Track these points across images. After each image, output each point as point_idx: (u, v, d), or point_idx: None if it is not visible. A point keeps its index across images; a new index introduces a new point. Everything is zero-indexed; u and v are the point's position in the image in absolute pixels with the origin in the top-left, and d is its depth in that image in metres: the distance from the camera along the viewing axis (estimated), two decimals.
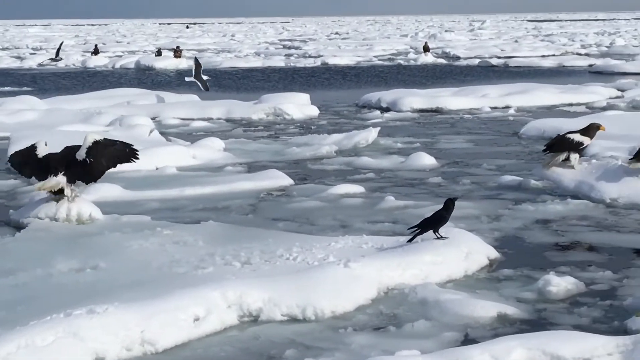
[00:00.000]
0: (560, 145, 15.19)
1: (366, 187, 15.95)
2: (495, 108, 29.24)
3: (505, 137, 22.86)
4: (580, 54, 62.60)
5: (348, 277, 9.77)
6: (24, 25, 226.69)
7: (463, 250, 10.78)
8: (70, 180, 13.08)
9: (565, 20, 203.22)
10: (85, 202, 13.32)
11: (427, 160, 18.46)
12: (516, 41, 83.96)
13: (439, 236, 10.88)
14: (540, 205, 14.30)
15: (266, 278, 9.63)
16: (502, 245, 11.95)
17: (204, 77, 34.33)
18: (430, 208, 13.64)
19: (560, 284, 9.98)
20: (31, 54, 73.24)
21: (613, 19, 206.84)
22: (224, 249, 11.04)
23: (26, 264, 10.71)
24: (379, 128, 22.00)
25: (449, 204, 10.91)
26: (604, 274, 10.67)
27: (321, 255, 10.53)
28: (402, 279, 10.04)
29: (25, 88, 41.92)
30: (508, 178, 16.27)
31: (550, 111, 28.66)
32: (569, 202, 14.32)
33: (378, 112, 28.60)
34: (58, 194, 13.14)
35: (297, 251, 10.73)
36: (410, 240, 10.81)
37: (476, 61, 56.86)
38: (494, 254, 11.26)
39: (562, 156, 15.14)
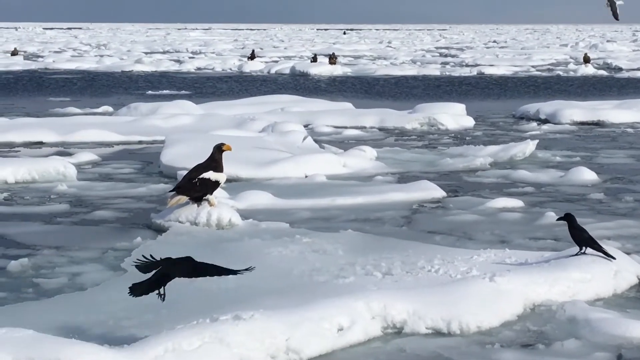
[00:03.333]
0: None
1: (525, 202, 15.42)
2: None
3: None
4: None
5: (493, 291, 9.55)
6: (185, 29, 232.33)
7: (612, 268, 10.37)
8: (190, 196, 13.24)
9: None
10: (225, 208, 13.41)
11: (587, 175, 17.74)
12: None
13: (606, 254, 10.40)
14: None
15: (410, 290, 9.50)
16: None
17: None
18: (593, 225, 13.41)
19: None
20: (190, 57, 74.59)
21: None
22: (364, 258, 11.02)
23: None
24: (536, 140, 21.33)
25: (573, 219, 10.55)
26: None
27: (464, 268, 10.40)
28: (549, 296, 9.77)
29: (183, 92, 42.63)
30: None
31: None
32: None
33: (535, 124, 27.83)
34: (197, 200, 13.22)
35: (439, 263, 10.64)
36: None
37: (639, 73, 55.02)
38: None
39: None
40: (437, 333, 8.98)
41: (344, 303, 8.92)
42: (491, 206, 15.03)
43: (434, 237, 12.96)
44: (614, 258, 10.36)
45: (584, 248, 10.46)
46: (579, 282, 10.00)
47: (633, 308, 9.70)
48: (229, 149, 13.45)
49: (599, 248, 10.41)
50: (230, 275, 10.17)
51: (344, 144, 22.92)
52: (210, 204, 13.21)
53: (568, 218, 10.57)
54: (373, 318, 8.94)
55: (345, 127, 26.75)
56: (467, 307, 9.18)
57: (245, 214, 13.89)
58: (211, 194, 13.25)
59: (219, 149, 13.42)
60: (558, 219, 11.03)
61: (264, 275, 10.44)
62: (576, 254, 10.45)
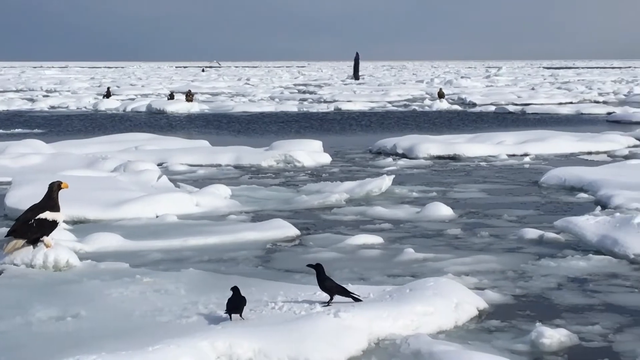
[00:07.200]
0: None
1: (383, 238, 15.38)
2: (513, 155, 28.63)
3: (524, 187, 22.11)
4: (598, 102, 61.88)
5: (338, 327, 9.61)
6: (41, 67, 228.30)
7: (453, 301, 10.65)
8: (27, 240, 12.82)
9: (582, 68, 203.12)
10: (62, 249, 13.02)
11: (444, 210, 17.76)
12: (533, 88, 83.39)
13: (354, 298, 10.49)
14: (562, 260, 13.68)
15: (255, 328, 9.46)
16: (518, 301, 11.60)
17: None
18: (451, 261, 13.71)
19: (553, 335, 9.74)
20: (44, 96, 73.03)
21: (629, 67, 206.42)
22: (207, 297, 11.05)
23: (4, 312, 10.59)
24: (393, 176, 21.27)
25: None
26: (605, 330, 10.29)
27: (307, 304, 10.45)
28: (393, 330, 9.91)
29: (35, 130, 41.59)
30: (528, 231, 15.65)
31: (569, 159, 27.99)
32: (591, 258, 13.76)
33: (391, 159, 27.91)
34: (34, 242, 12.81)
35: (283, 300, 10.65)
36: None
37: (492, 108, 56.22)
38: (483, 304, 11.08)
39: None
40: None
41: (188, 343, 8.77)
42: (350, 243, 14.94)
43: (292, 276, 12.75)
44: (361, 300, 10.45)
45: (332, 297, 10.47)
46: (422, 316, 10.17)
47: (474, 340, 9.85)
48: (66, 186, 13.05)
49: (346, 293, 10.44)
50: (69, 318, 9.68)
51: (199, 183, 22.46)
52: (47, 245, 12.78)
53: (317, 268, 10.56)
54: (218, 358, 8.82)
55: (201, 166, 26.36)
56: (313, 343, 9.13)
57: (92, 257, 13.50)
58: (48, 235, 12.71)
59: (57, 187, 12.92)
60: (308, 265, 10.92)
61: (104, 317, 10.30)
62: (327, 303, 10.42)
